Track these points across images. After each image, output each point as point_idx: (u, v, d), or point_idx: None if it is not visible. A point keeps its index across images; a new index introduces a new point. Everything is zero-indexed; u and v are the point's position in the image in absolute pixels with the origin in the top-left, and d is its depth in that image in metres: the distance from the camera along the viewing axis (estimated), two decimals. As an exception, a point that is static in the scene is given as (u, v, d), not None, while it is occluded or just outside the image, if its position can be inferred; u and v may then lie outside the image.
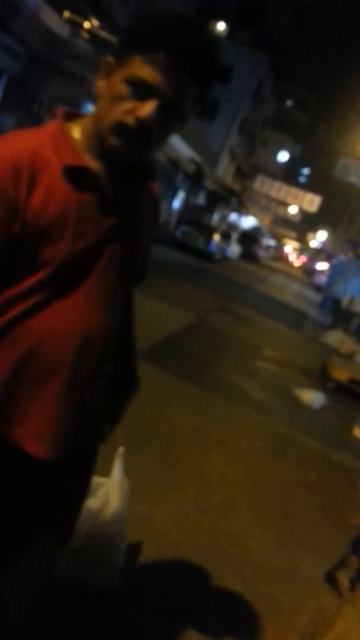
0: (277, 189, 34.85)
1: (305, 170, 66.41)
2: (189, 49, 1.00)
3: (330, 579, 2.49)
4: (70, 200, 1.04)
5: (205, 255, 20.46)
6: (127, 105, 1.01)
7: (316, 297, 25.33)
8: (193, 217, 26.70)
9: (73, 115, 1.11)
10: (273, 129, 43.59)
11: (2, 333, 1.07)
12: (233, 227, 36.12)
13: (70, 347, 1.10)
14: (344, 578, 2.19)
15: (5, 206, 0.99)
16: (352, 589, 2.02)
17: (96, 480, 1.62)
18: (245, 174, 38.72)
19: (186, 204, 28.28)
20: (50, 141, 1.04)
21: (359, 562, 1.97)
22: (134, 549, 2.32)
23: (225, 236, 24.44)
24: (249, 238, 34.46)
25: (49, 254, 1.04)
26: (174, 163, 22.51)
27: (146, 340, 6.02)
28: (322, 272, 38.91)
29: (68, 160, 1.04)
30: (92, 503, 1.74)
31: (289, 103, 46.37)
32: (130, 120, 1.01)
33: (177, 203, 27.19)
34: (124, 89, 1.00)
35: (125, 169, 1.11)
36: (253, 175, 37.88)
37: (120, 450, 2.07)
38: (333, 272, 23.55)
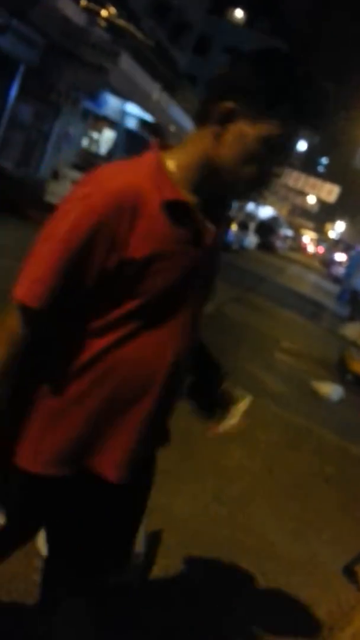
0: (295, 179, 34.48)
1: (324, 160, 65.59)
2: (327, 116, 1.11)
3: (349, 572, 2.49)
4: (168, 234, 1.05)
5: (223, 245, 20.34)
6: (264, 164, 1.07)
7: (334, 289, 25.11)
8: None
9: (164, 146, 1.12)
10: (291, 118, 42.97)
11: (94, 364, 1.09)
12: (250, 217, 35.85)
13: (160, 375, 1.13)
14: (364, 572, 2.18)
15: (106, 243, 1.01)
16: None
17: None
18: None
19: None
20: (149, 174, 1.05)
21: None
22: (155, 537, 2.34)
23: (243, 226, 24.29)
24: (267, 228, 34.19)
25: (145, 286, 1.06)
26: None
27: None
28: (340, 263, 38.52)
29: (168, 194, 1.05)
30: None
31: (308, 91, 45.63)
32: (267, 178, 1.11)
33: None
34: (259, 148, 1.05)
35: (215, 199, 1.14)
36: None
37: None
38: (351, 264, 23.34)
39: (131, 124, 19.40)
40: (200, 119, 1.09)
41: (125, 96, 16.83)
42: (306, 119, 1.08)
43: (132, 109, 18.19)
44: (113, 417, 1.13)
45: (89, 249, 1.01)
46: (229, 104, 1.03)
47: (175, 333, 1.13)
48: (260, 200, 40.18)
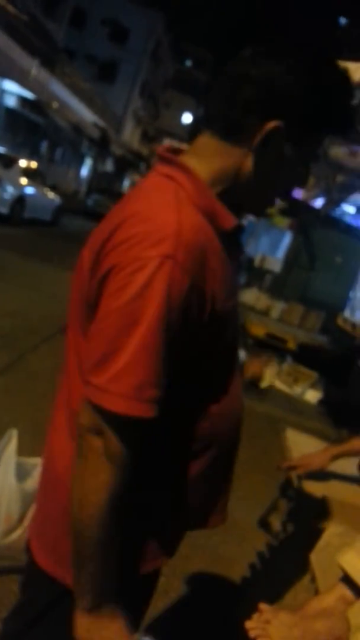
0: (184, 152, 34.66)
1: (212, 114, 66.39)
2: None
3: (264, 523, 2.63)
4: (228, 268, 0.91)
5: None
6: (295, 179, 0.97)
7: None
8: (103, 184, 26.17)
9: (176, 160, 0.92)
10: (175, 91, 43.18)
11: (203, 436, 0.98)
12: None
13: (237, 426, 1.07)
14: (275, 521, 2.32)
15: (199, 304, 0.83)
16: (284, 530, 2.15)
17: (30, 461, 1.61)
18: (151, 137, 38.28)
19: (94, 171, 27.65)
20: (196, 203, 0.87)
21: (288, 505, 2.10)
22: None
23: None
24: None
25: (225, 333, 0.93)
26: (77, 129, 21.83)
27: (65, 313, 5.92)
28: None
29: (226, 222, 0.90)
30: (28, 485, 1.72)
31: (188, 63, 45.96)
32: (288, 190, 1.03)
33: (85, 171, 26.51)
34: (299, 169, 0.94)
35: None
36: (159, 139, 37.55)
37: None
38: (245, 233, 24.00)
39: (10, 102, 18.53)
40: (231, 132, 0.89)
41: (2, 74, 16.03)
42: (344, 130, 0.95)
43: (10, 86, 17.37)
44: (216, 482, 1.09)
45: (187, 317, 0.82)
46: (275, 123, 0.86)
47: (237, 376, 1.04)
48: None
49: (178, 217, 0.82)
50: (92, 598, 0.86)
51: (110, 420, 0.79)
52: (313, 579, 1.54)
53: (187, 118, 45.52)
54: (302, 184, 1.01)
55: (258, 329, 7.77)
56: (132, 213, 0.84)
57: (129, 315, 0.78)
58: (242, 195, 0.94)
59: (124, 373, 0.78)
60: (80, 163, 25.76)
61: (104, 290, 0.82)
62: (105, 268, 0.82)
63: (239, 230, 0.96)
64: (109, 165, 30.37)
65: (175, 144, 34.79)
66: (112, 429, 0.80)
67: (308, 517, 1.71)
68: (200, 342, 0.87)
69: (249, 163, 0.90)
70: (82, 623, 0.86)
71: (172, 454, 0.97)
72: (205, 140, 0.93)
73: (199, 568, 2.49)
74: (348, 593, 1.33)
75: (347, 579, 1.34)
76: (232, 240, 0.94)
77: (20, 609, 1.09)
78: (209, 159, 0.91)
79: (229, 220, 0.90)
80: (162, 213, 0.83)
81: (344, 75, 0.89)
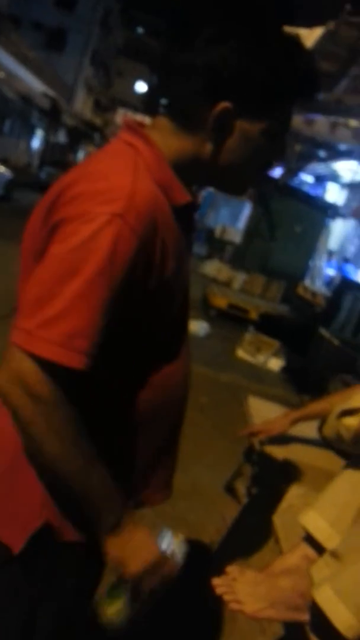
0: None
1: (164, 101, 65.30)
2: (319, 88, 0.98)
3: (230, 489, 2.70)
4: (180, 239, 0.92)
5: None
6: (267, 154, 0.95)
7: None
8: (56, 156, 25.50)
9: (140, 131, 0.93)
10: (127, 59, 42.14)
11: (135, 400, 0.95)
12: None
13: (182, 400, 1.06)
14: (240, 486, 2.39)
15: (146, 268, 0.83)
16: (249, 494, 2.21)
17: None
18: (104, 107, 37.39)
19: (46, 143, 26.89)
20: (153, 172, 0.87)
21: (252, 470, 2.15)
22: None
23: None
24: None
25: (173, 306, 0.94)
26: (26, 99, 21.11)
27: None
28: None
29: (179, 197, 0.90)
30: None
31: (140, 30, 44.84)
32: (270, 168, 1.00)
33: (36, 143, 25.77)
34: (262, 141, 0.91)
35: None
36: (113, 108, 36.73)
37: None
38: (204, 204, 23.92)
39: None
40: (184, 118, 0.90)
41: None
42: (307, 96, 0.95)
43: None
44: (161, 450, 1.07)
45: (130, 280, 0.81)
46: (224, 105, 0.86)
47: (187, 352, 1.04)
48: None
49: (134, 182, 0.82)
50: (108, 520, 0.86)
51: (38, 366, 0.76)
52: (277, 540, 1.60)
53: (141, 87, 44.56)
54: (279, 157, 1.00)
55: (220, 300, 7.83)
56: (89, 171, 0.86)
57: (69, 264, 0.77)
58: (209, 177, 0.96)
59: (56, 319, 0.76)
60: (31, 135, 24.97)
61: (50, 241, 0.82)
62: (56, 219, 0.83)
63: (192, 207, 0.96)
64: (61, 137, 29.58)
65: (130, 114, 34.09)
66: (39, 375, 0.76)
67: (271, 481, 1.76)
68: (145, 311, 0.87)
69: (208, 148, 0.91)
70: (112, 545, 0.87)
71: (112, 424, 0.95)
72: (164, 123, 0.93)
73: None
74: (310, 551, 1.39)
75: (308, 538, 1.40)
76: (185, 217, 0.94)
77: None
78: (168, 138, 0.92)
79: (182, 196, 0.91)
80: (118, 175, 0.83)
81: (291, 43, 0.89)
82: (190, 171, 0.93)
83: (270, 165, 0.99)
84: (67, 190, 0.83)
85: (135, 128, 0.92)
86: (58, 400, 0.78)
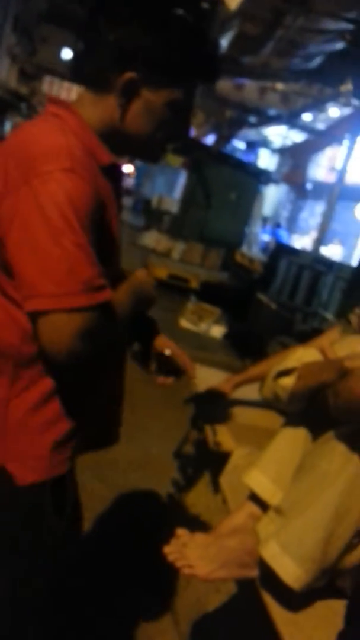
0: (68, 90, 32.94)
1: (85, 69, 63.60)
2: (220, 69, 1.14)
3: (179, 456, 2.75)
4: (108, 197, 1.02)
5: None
6: (171, 127, 1.07)
7: (127, 201, 25.41)
8: (-18, 130, 24.41)
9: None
10: (51, 25, 40.41)
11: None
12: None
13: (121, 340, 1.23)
14: (189, 452, 2.43)
15: (95, 215, 0.94)
16: (197, 459, 2.26)
17: None
18: (30, 75, 35.80)
19: (-29, 116, 25.65)
20: (79, 137, 0.98)
21: (198, 435, 2.19)
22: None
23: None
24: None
25: (111, 257, 1.04)
26: None
27: None
28: (128, 174, 38.78)
29: (104, 158, 1.02)
30: None
31: (63, -6, 43.03)
32: (175, 139, 1.13)
33: None
34: (166, 114, 1.03)
35: None
36: (39, 77, 35.26)
37: None
38: (139, 174, 23.64)
39: None
40: (96, 85, 1.02)
41: None
42: (206, 76, 1.09)
43: None
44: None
45: (90, 223, 0.92)
46: (130, 75, 0.98)
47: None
48: (35, 116, 37.94)
49: (66, 140, 0.93)
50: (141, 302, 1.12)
51: (80, 316, 0.88)
52: (225, 500, 1.65)
53: (66, 54, 42.93)
54: (183, 129, 1.15)
55: (160, 271, 7.82)
56: (21, 140, 0.95)
57: (51, 227, 0.86)
58: (125, 143, 1.06)
59: (72, 273, 0.87)
60: None
61: (14, 214, 0.88)
62: (7, 189, 0.90)
63: (116, 170, 1.08)
64: (-13, 109, 28.31)
65: (56, 81, 32.86)
66: (85, 323, 0.88)
67: (216, 444, 1.80)
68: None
69: (117, 113, 1.02)
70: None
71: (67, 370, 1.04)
72: (83, 94, 1.06)
73: (120, 505, 2.57)
74: (255, 509, 1.43)
75: (253, 497, 1.44)
76: (112, 181, 1.05)
77: None
78: (87, 107, 1.03)
79: (106, 157, 1.03)
80: (51, 136, 0.94)
81: (192, 30, 1.01)
82: (110, 139, 1.04)
83: (175, 137, 1.12)
84: (9, 161, 0.91)
85: (60, 101, 1.04)
86: (101, 324, 0.92)
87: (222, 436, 1.82)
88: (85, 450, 1.17)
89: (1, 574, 1.12)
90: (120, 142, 1.06)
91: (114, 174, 1.07)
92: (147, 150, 1.12)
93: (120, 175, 1.11)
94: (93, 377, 1.09)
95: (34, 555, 1.11)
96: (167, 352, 1.33)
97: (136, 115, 1.03)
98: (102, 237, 0.98)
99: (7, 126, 32.22)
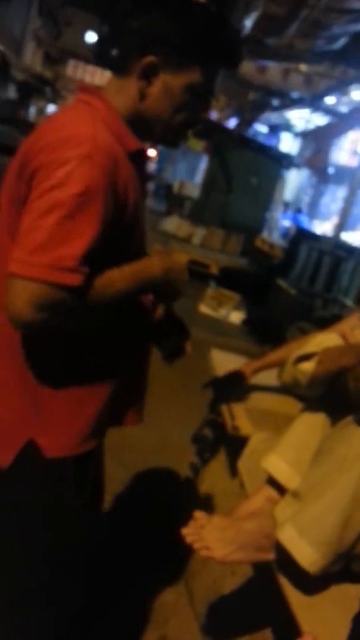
0: (92, 73, 32.87)
1: (116, 52, 63.08)
2: (241, 54, 1.16)
3: (197, 440, 2.76)
4: (134, 181, 1.05)
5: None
6: (191, 111, 1.10)
7: (149, 186, 25.33)
8: (7, 113, 24.44)
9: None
10: (75, 8, 40.13)
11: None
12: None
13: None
14: (207, 436, 2.44)
15: (113, 203, 0.97)
16: (215, 443, 2.27)
17: None
18: (54, 59, 35.74)
19: (-5, 100, 25.72)
20: (109, 124, 1.03)
21: (217, 419, 2.19)
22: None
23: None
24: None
25: (132, 242, 1.08)
26: (-29, 54, 20.01)
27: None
28: (151, 159, 38.64)
29: (132, 144, 1.06)
30: None
31: (87, -25, 42.63)
32: (195, 123, 1.14)
33: (-16, 100, 24.61)
34: (185, 97, 1.07)
35: None
36: (64, 61, 35.15)
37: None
38: (160, 159, 23.50)
39: None
40: (121, 70, 1.07)
41: None
42: (225, 61, 1.13)
43: None
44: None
45: (104, 213, 0.94)
46: (150, 59, 1.03)
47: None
48: (59, 101, 37.90)
49: (93, 129, 0.97)
50: (147, 275, 1.09)
51: (37, 287, 0.89)
52: (242, 484, 1.65)
53: (91, 37, 42.65)
54: (202, 113, 1.14)
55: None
56: (52, 125, 1.00)
57: (49, 200, 0.90)
58: (146, 126, 1.09)
59: (46, 247, 0.89)
60: (-22, 91, 23.82)
61: (30, 187, 0.95)
62: (31, 169, 0.95)
63: (143, 155, 1.12)
64: (11, 92, 28.29)
65: (80, 65, 32.58)
66: (39, 295, 0.89)
67: (234, 428, 1.80)
68: (111, 243, 0.98)
69: (137, 96, 1.06)
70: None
71: (97, 347, 1.10)
72: (110, 80, 1.11)
73: (138, 488, 2.60)
74: (273, 493, 1.44)
75: (271, 481, 1.45)
76: (137, 164, 1.09)
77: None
78: (114, 93, 1.08)
79: (133, 143, 1.06)
80: (79, 124, 0.98)
81: (211, 16, 1.05)
82: (133, 124, 1.08)
83: (194, 121, 1.14)
84: (35, 144, 0.97)
85: (89, 88, 1.09)
86: (61, 302, 0.91)
87: (240, 420, 1.82)
88: (111, 426, 1.22)
89: (21, 545, 1.15)
90: (142, 126, 1.09)
91: (140, 159, 1.10)
92: (167, 134, 1.14)
93: (145, 160, 1.14)
94: (107, 355, 1.13)
95: (53, 529, 1.15)
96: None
97: (156, 98, 1.06)
98: (124, 223, 1.02)
99: (32, 110, 32.04)
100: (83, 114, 1.02)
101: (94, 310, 0.99)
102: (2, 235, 1.05)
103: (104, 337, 1.11)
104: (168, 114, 1.08)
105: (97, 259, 0.95)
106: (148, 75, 1.05)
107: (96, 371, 1.11)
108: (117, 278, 1.01)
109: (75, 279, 0.91)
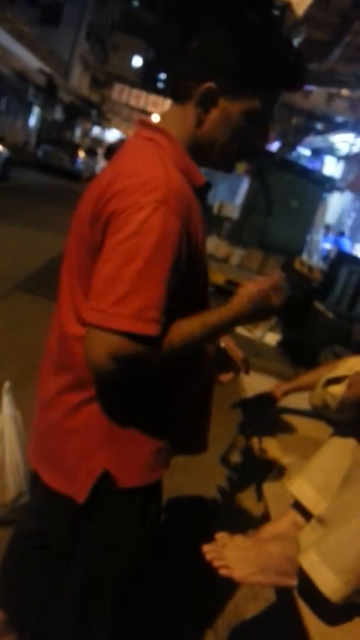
0: (137, 97, 33.66)
1: (162, 75, 64.41)
2: (305, 77, 1.10)
3: (225, 460, 2.74)
4: (202, 217, 1.04)
5: (72, 175, 19.69)
6: (250, 137, 1.07)
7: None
8: (53, 134, 25.28)
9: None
10: (123, 33, 41.27)
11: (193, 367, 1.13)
12: (98, 141, 34.70)
13: (212, 364, 1.26)
14: (235, 458, 2.42)
15: (187, 247, 0.97)
16: (242, 465, 2.24)
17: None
18: (101, 83, 36.80)
19: (43, 120, 26.58)
20: (175, 161, 1.01)
21: (245, 441, 2.18)
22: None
23: (91, 152, 23.53)
24: (116, 152, 33.25)
25: (199, 279, 1.07)
26: (22, 76, 20.80)
27: (21, 271, 5.81)
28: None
29: (198, 180, 1.05)
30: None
31: (136, 3, 43.83)
32: (254, 149, 1.12)
33: (33, 120, 25.47)
34: (244, 124, 1.04)
35: None
36: (110, 84, 36.11)
37: (7, 384, 2.07)
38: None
39: None
40: (179, 97, 1.05)
41: None
42: (288, 86, 1.08)
43: None
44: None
45: (179, 257, 0.95)
46: (210, 85, 1.00)
47: None
48: (104, 123, 38.81)
49: (165, 171, 0.96)
50: (237, 315, 1.07)
51: (121, 338, 0.90)
52: (267, 508, 1.63)
53: (137, 61, 43.76)
54: (261, 141, 1.12)
55: (218, 276, 7.82)
56: (123, 169, 0.98)
57: (129, 249, 0.90)
58: (203, 153, 1.07)
59: (128, 297, 0.89)
60: (27, 112, 24.65)
61: (106, 233, 0.95)
62: (106, 215, 0.95)
63: (208, 187, 1.11)
64: (58, 114, 29.19)
65: (126, 89, 33.29)
66: (120, 347, 0.90)
67: (262, 450, 1.78)
68: (185, 282, 0.99)
69: (195, 122, 1.04)
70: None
71: (168, 381, 1.10)
72: (169, 108, 1.09)
73: (164, 507, 2.58)
74: (298, 517, 1.41)
75: (297, 505, 1.42)
76: (201, 196, 1.08)
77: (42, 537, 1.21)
78: (173, 122, 1.06)
79: (200, 177, 1.06)
80: (151, 167, 0.96)
81: (276, 39, 1.01)
82: (192, 150, 1.06)
83: (252, 148, 1.10)
84: (110, 188, 0.96)
85: (150, 124, 1.07)
86: (141, 353, 0.92)
87: (268, 443, 1.80)
88: (177, 455, 1.23)
89: (75, 568, 1.17)
90: (198, 152, 1.07)
91: (204, 191, 1.10)
92: (222, 161, 1.12)
93: (207, 191, 1.13)
94: (178, 388, 1.14)
95: (112, 557, 1.17)
96: (222, 344, 1.33)
97: (213, 125, 1.04)
98: (194, 261, 1.01)
99: (77, 132, 32.99)
100: (151, 153, 1.00)
101: (170, 359, 0.99)
102: (72, 279, 1.06)
103: (174, 372, 1.10)
104: (224, 141, 1.06)
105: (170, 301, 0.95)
106: (207, 102, 1.02)
107: (166, 402, 1.12)
108: (197, 327, 1.00)
109: (155, 329, 0.91)
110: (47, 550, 1.22)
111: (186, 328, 0.99)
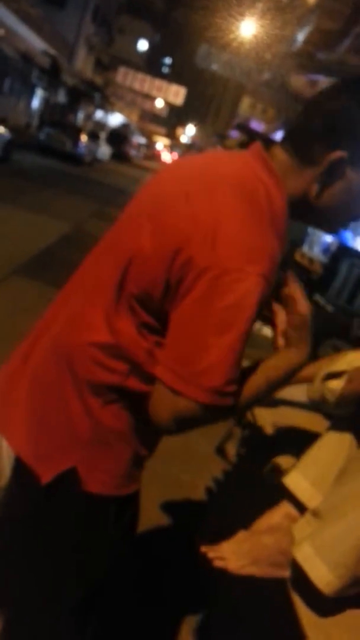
0: (141, 81, 33.43)
1: (167, 60, 63.74)
2: None
3: (220, 451, 2.75)
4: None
5: (74, 159, 19.54)
6: None
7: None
8: (56, 117, 25.06)
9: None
10: (129, 15, 40.81)
11: None
12: (100, 125, 34.46)
13: None
14: (231, 448, 2.43)
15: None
16: (238, 455, 2.25)
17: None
18: (105, 65, 36.43)
19: (46, 103, 26.34)
20: (276, 224, 0.95)
21: (242, 432, 2.18)
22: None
23: (93, 136, 23.33)
24: (119, 137, 33.12)
25: None
26: (26, 57, 20.58)
27: (20, 255, 5.78)
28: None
29: (284, 247, 1.00)
30: None
31: (144, -15, 43.29)
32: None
33: (36, 103, 25.24)
34: None
35: None
36: (114, 67, 35.80)
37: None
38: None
39: None
40: (304, 156, 0.96)
41: None
42: None
43: None
44: None
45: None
46: (340, 154, 0.93)
47: None
48: (108, 107, 38.48)
49: (270, 241, 0.92)
50: (294, 363, 1.08)
51: (196, 406, 0.91)
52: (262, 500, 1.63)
53: (142, 45, 43.31)
54: None
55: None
56: (230, 214, 0.90)
57: (224, 320, 0.88)
58: (311, 216, 1.02)
59: (214, 370, 0.89)
60: (30, 94, 24.41)
61: (186, 278, 0.89)
62: (195, 262, 0.88)
63: None
64: (61, 96, 28.92)
65: (130, 72, 32.86)
66: (191, 413, 0.92)
67: (259, 442, 1.78)
68: None
69: (314, 188, 0.97)
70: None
71: None
72: (285, 159, 0.98)
73: (160, 494, 2.60)
74: (293, 510, 1.42)
75: (291, 497, 1.43)
76: None
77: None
78: (287, 175, 0.97)
79: (285, 245, 1.01)
80: (261, 233, 0.91)
81: None
82: (296, 207, 0.99)
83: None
84: (205, 229, 0.89)
85: (267, 161, 0.97)
86: (202, 418, 0.94)
87: (266, 435, 1.81)
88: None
89: (41, 567, 1.13)
90: (304, 212, 1.01)
91: None
92: (329, 224, 1.08)
93: None
94: None
95: (76, 557, 1.12)
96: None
97: (333, 195, 0.98)
98: None
99: (80, 115, 32.61)
100: (260, 210, 0.93)
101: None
102: (96, 258, 1.10)
103: None
104: (340, 209, 1.00)
105: None
106: (335, 174, 0.95)
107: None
108: (262, 385, 1.02)
109: (231, 401, 0.93)
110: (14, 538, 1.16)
111: (252, 388, 1.00)
